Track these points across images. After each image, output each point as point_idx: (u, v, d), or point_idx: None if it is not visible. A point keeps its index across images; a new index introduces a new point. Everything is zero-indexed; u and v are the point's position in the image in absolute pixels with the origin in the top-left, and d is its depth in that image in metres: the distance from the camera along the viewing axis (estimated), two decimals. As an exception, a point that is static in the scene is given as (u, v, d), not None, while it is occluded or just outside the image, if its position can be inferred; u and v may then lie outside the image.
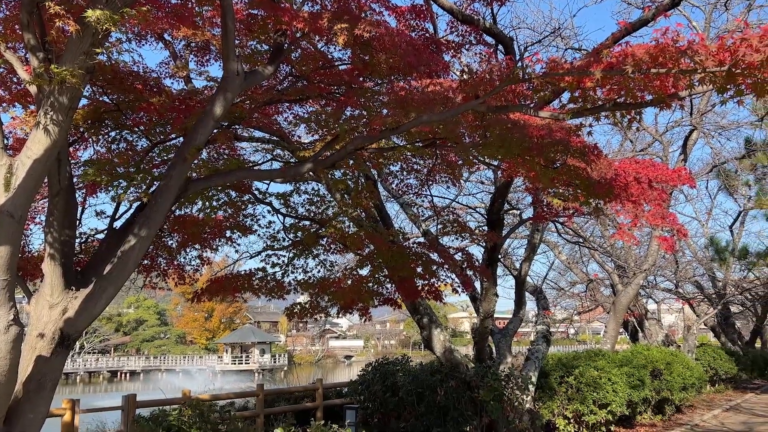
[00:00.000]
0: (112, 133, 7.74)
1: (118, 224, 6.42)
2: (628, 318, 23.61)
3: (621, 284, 20.68)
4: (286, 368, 69.86)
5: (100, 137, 7.75)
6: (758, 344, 36.01)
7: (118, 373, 69.42)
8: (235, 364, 69.29)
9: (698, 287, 28.91)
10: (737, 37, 3.88)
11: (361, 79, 7.40)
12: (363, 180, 10.31)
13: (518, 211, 16.68)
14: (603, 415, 12.38)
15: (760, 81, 4.03)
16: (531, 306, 16.30)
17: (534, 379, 11.78)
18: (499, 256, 13.91)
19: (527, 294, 14.88)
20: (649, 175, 7.03)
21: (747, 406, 19.73)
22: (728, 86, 4.25)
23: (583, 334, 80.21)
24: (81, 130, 7.28)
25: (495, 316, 12.46)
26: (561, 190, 7.29)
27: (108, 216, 6.86)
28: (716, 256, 25.48)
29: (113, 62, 6.21)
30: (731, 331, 31.01)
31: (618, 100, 5.08)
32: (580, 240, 20.51)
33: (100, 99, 7.12)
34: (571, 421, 12.56)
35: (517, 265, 15.16)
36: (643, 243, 22.22)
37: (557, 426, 12.51)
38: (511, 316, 13.65)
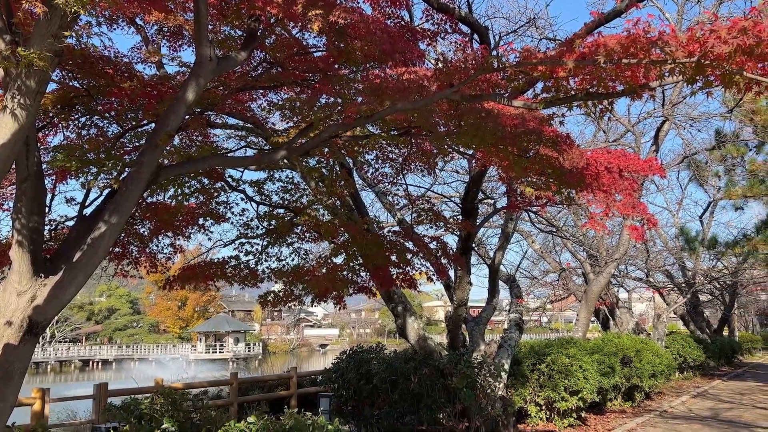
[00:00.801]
0: (83, 119, 7.62)
1: (88, 211, 6.34)
2: (599, 306, 23.93)
3: (593, 273, 20.94)
4: (260, 357, 69.80)
5: (70, 123, 7.62)
6: (726, 332, 36.81)
7: (90, 362, 68.74)
8: (209, 353, 69.06)
9: (668, 276, 29.40)
10: (707, 29, 3.93)
11: (336, 66, 7.36)
12: (338, 168, 10.28)
13: (492, 201, 16.78)
14: (574, 401, 12.56)
15: (727, 72, 4.09)
16: (504, 294, 16.47)
17: (507, 367, 11.90)
18: (474, 245, 13.99)
19: (501, 282, 15.00)
20: (620, 165, 7.12)
21: (714, 393, 20.16)
22: (697, 77, 4.31)
23: (556, 322, 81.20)
24: (50, 115, 7.15)
25: (469, 304, 12.54)
26: (534, 180, 7.35)
27: (78, 203, 6.77)
28: (686, 245, 25.93)
29: (83, 46, 6.10)
30: (700, 320, 31.62)
31: (590, 90, 5.12)
32: (553, 229, 20.72)
33: (70, 84, 6.99)
34: (543, 407, 12.73)
35: (491, 254, 15.26)
36: (614, 233, 22.51)
37: (529, 413, 12.68)
38: (484, 304, 13.75)
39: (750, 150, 21.49)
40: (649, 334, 25.04)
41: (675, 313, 30.72)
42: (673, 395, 19.25)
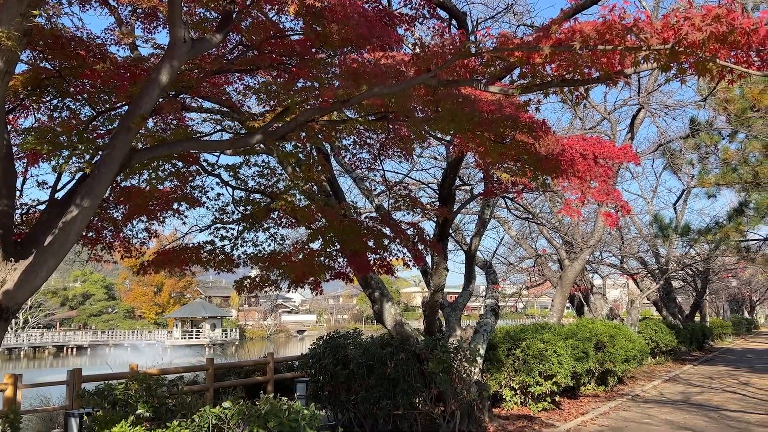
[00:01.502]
0: (54, 101, 7.49)
1: (60, 195, 6.25)
2: (574, 292, 24.20)
3: (568, 259, 21.14)
4: (237, 343, 69.76)
5: (42, 105, 7.49)
6: (697, 318, 37.48)
7: (65, 348, 68.08)
8: (185, 338, 68.77)
9: (642, 263, 29.78)
10: (681, 16, 3.96)
11: (313, 50, 7.30)
12: (315, 153, 10.22)
13: (469, 187, 16.81)
14: (548, 386, 12.72)
15: (701, 60, 4.13)
16: (481, 280, 16.55)
17: (482, 352, 12.00)
18: (451, 231, 14.03)
19: (477, 269, 15.08)
20: (596, 152, 7.16)
21: (685, 377, 20.55)
22: (671, 64, 4.35)
23: (532, 308, 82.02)
24: (21, 96, 7.02)
25: (446, 290, 12.59)
26: (510, 166, 7.38)
27: (50, 186, 6.67)
28: (660, 232, 26.23)
29: (53, 26, 5.98)
30: (672, 306, 32.13)
31: (566, 77, 5.14)
32: (530, 216, 20.85)
33: (41, 65, 6.86)
34: (518, 392, 12.88)
35: (468, 240, 15.33)
36: (590, 220, 22.72)
37: (504, 397, 12.81)
38: (461, 290, 13.82)
39: (723, 138, 21.76)
40: (623, 319, 25.38)
41: (648, 299, 31.21)
42: (646, 379, 19.57)
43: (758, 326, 68.53)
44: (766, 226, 21.31)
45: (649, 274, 29.84)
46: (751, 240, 22.46)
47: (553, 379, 12.76)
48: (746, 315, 65.26)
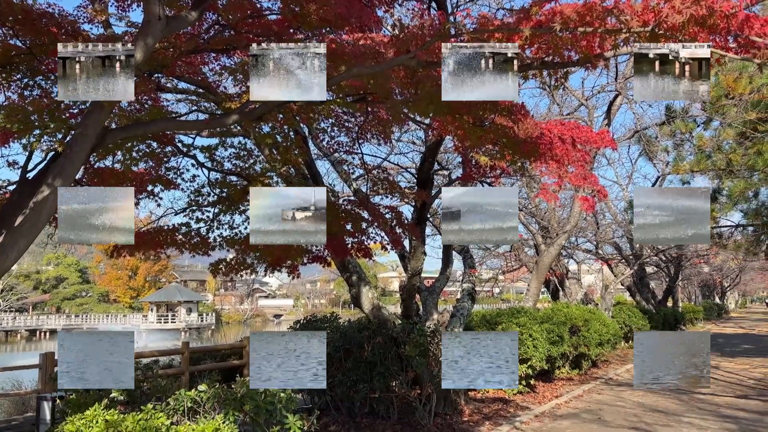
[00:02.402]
0: (25, 79, 7.31)
1: (31, 175, 6.11)
2: (549, 277, 24.42)
3: (544, 245, 21.30)
4: (213, 327, 69.56)
5: (12, 83, 7.31)
6: (670, 303, 38.09)
7: (37, 332, 67.32)
8: (160, 323, 68.40)
9: (617, 249, 30.13)
10: (661, -2, 3.97)
11: (291, 30, 7.20)
12: (293, 135, 10.13)
13: (447, 172, 16.85)
14: (523, 369, 12.83)
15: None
16: (458, 265, 16.61)
17: (459, 336, 12.06)
18: (429, 216, 14.05)
19: (454, 253, 15.13)
20: (573, 136, 7.19)
21: (657, 361, 20.85)
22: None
23: (507, 293, 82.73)
24: (-11, 74, 6.84)
25: (423, 274, 12.62)
26: (489, 148, 7.38)
27: (21, 166, 6.53)
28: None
29: (23, 1, 5.82)
30: (646, 291, 32.60)
31: (546, 60, 5.12)
32: (507, 201, 20.89)
33: (10, 41, 6.69)
34: (494, 375, 12.97)
35: (446, 225, 15.33)
36: (566, 206, 22.90)
37: (480, 380, 12.90)
38: (438, 275, 13.86)
39: (698, 126, 21.98)
40: (597, 304, 25.69)
41: (622, 285, 31.63)
42: (619, 363, 19.87)
43: (728, 311, 69.86)
44: (739, 212, 21.62)
45: (623, 260, 30.22)
46: (723, 226, 22.80)
47: (528, 363, 12.88)
48: (717, 300, 66.49)
